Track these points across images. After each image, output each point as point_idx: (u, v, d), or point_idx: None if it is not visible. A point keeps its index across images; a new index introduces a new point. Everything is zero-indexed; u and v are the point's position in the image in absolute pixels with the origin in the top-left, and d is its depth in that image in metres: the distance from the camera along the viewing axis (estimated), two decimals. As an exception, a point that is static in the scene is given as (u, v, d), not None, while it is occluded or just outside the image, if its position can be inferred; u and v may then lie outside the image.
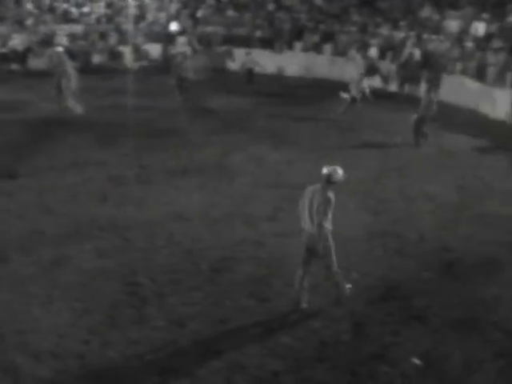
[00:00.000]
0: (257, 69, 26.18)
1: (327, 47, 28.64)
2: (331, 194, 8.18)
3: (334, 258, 8.42)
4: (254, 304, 8.59)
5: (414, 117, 16.79)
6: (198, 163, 14.69)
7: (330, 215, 8.22)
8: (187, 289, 8.95)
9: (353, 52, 25.79)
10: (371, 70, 24.42)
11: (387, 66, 25.61)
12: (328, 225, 8.28)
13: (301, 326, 8.12)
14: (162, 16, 32.32)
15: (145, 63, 28.35)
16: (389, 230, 11.08)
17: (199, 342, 7.74)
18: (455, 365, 7.42)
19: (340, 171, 8.36)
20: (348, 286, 8.73)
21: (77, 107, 19.03)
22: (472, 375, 7.26)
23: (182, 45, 24.35)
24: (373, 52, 25.60)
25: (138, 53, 28.44)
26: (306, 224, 8.44)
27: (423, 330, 8.12)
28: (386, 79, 24.65)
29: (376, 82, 24.77)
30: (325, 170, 8.32)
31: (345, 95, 19.45)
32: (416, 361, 7.42)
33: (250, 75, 26.41)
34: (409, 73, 23.94)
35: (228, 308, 8.48)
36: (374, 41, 26.28)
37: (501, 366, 7.44)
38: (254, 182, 13.57)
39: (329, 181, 8.25)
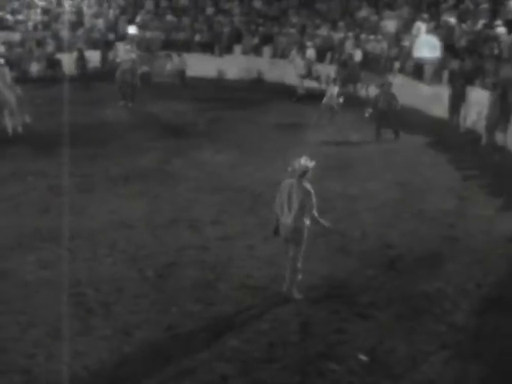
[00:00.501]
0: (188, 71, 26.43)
1: (267, 49, 28.81)
2: (308, 186, 8.51)
3: (301, 254, 8.59)
4: (200, 309, 8.54)
5: (370, 112, 17.23)
6: (139, 170, 14.58)
7: (312, 210, 8.51)
8: (133, 296, 8.85)
9: (293, 53, 25.90)
10: (309, 71, 24.54)
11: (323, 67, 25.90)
12: (307, 220, 8.50)
13: (248, 328, 8.10)
14: (100, 22, 32.01)
15: (87, 70, 27.95)
16: (332, 229, 11.14)
17: (147, 349, 7.66)
18: (401, 358, 7.52)
19: (308, 161, 8.64)
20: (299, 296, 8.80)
21: (19, 120, 18.39)
22: (418, 368, 7.36)
23: (126, 51, 23.88)
24: (310, 53, 25.63)
25: (82, 59, 27.95)
26: (285, 217, 8.55)
27: (368, 326, 8.19)
28: (319, 80, 24.67)
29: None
30: (296, 164, 8.53)
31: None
32: (362, 357, 7.49)
33: (181, 77, 26.75)
34: (349, 73, 24.12)
35: (175, 314, 8.42)
36: (310, 42, 26.37)
37: (445, 357, 7.56)
38: (196, 186, 13.52)
39: (302, 174, 8.50)
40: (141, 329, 8.06)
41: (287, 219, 8.55)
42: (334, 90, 19.90)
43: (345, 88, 23.38)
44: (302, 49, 26.02)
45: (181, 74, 27.02)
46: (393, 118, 17.67)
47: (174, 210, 12.12)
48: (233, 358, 7.47)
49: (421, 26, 24.09)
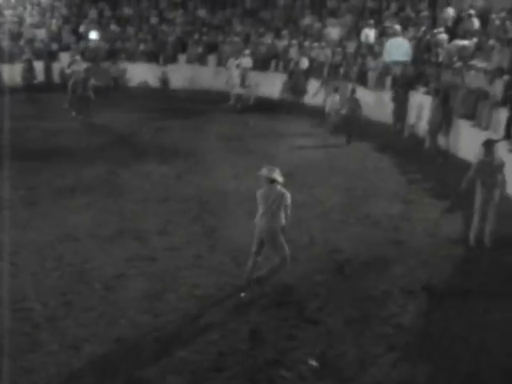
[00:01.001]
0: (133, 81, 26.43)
1: (211, 58, 28.87)
2: (282, 189, 9.09)
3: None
4: (149, 320, 8.47)
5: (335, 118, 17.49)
6: (85, 181, 14.39)
7: (288, 210, 9.12)
8: (81, 310, 8.72)
9: (231, 61, 25.87)
10: (243, 79, 24.50)
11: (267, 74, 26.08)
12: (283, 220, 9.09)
13: (197, 338, 8.06)
14: (43, 32, 31.56)
15: (32, 81, 27.42)
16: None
17: (96, 363, 7.55)
18: (350, 362, 7.58)
19: (269, 171, 9.14)
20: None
21: None
22: (367, 370, 7.42)
23: (77, 62, 23.30)
24: (246, 62, 25.51)
25: (31, 71, 27.37)
26: (259, 219, 9.13)
27: (318, 332, 8.24)
28: (249, 88, 24.52)
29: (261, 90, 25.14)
30: (264, 173, 9.13)
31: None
32: (313, 362, 7.53)
33: (116, 84, 27.19)
34: (295, 82, 24.19)
35: (123, 326, 8.32)
36: (247, 50, 26.30)
37: (394, 359, 7.65)
38: (142, 197, 13.42)
39: (271, 181, 9.04)
40: (89, 342, 7.94)
41: (262, 221, 9.05)
42: (335, 98, 20.13)
43: (293, 96, 23.55)
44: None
45: (115, 80, 27.33)
46: (355, 124, 17.85)
47: (120, 221, 12.00)
48: (182, 369, 7.41)
49: (368, 33, 24.45)
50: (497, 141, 11.36)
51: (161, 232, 11.47)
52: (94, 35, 30.61)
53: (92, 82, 21.51)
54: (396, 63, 21.48)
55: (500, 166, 10.74)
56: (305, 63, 24.82)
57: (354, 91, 19.12)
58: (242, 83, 24.24)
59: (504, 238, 11.10)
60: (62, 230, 11.55)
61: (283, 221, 9.08)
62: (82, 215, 12.32)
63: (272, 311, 8.73)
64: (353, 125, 18.19)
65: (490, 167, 10.69)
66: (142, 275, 9.74)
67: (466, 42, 19.54)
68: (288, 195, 9.06)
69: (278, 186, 9.07)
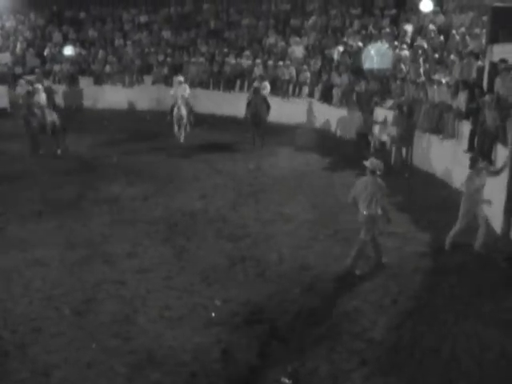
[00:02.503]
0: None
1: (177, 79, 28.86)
2: (380, 181, 10.39)
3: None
4: (120, 343, 8.42)
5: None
6: (52, 205, 14.27)
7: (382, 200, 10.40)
8: (50, 336, 8.65)
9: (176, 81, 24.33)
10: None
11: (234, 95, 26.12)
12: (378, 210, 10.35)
13: (169, 360, 8.03)
14: (7, 56, 31.34)
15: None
16: (249, 255, 11.22)
17: (67, 389, 7.51)
18: (323, 378, 7.62)
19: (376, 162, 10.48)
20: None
21: None
22: (339, 386, 7.46)
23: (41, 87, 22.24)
24: (182, 90, 22.51)
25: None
26: (362, 207, 10.37)
27: (290, 349, 8.26)
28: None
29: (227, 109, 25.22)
30: (368, 164, 10.45)
31: None
32: (285, 380, 7.54)
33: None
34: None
35: (94, 351, 8.26)
36: (180, 77, 23.89)
37: (366, 373, 7.71)
38: (110, 220, 13.35)
39: (373, 172, 10.33)
40: (60, 368, 7.88)
41: (362, 208, 10.35)
42: None
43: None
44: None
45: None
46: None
47: (88, 245, 11.91)
48: (155, 391, 7.40)
49: (335, 51, 24.71)
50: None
51: (130, 255, 11.42)
52: (69, 51, 30.47)
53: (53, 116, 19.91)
54: (379, 71, 21.52)
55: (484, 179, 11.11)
56: (266, 88, 22.87)
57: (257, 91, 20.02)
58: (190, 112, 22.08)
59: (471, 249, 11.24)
60: (30, 255, 11.44)
61: (379, 210, 10.32)
62: (49, 240, 12.21)
63: (243, 330, 8.73)
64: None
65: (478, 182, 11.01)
66: (112, 299, 9.70)
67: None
68: (384, 188, 10.39)
69: (378, 178, 10.32)
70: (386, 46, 22.38)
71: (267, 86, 22.96)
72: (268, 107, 20.71)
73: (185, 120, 21.46)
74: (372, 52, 22.30)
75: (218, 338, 8.50)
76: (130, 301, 9.60)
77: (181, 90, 22.12)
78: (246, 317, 9.09)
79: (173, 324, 8.87)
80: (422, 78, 19.00)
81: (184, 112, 21.35)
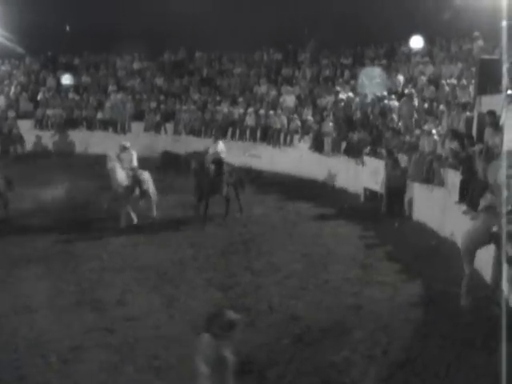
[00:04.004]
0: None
1: (169, 126, 29.07)
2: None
3: None
4: (106, 393, 8.31)
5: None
6: (41, 251, 14.19)
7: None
8: (36, 385, 8.53)
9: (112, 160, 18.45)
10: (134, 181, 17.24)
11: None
12: None
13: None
14: (1, 99, 31.57)
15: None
16: (238, 304, 11.12)
17: None
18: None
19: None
20: None
21: None
22: None
23: None
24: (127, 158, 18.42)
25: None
26: None
27: (279, 400, 8.18)
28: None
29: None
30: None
31: None
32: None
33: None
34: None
35: (80, 400, 8.16)
36: (126, 143, 21.54)
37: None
38: (100, 266, 13.26)
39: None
40: (45, 418, 7.75)
41: None
42: None
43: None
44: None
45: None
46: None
47: (77, 291, 11.82)
48: None
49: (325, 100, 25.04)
50: None
51: (119, 302, 11.31)
52: (67, 80, 30.64)
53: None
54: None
55: None
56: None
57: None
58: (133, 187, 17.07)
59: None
60: (18, 301, 11.32)
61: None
62: (38, 285, 12.12)
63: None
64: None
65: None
66: (100, 347, 9.57)
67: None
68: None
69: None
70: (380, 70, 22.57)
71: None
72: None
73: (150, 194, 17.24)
74: (369, 77, 22.47)
75: (206, 389, 8.38)
76: (118, 349, 9.47)
77: (126, 158, 17.49)
78: (236, 367, 8.97)
79: (161, 374, 8.74)
80: (413, 128, 19.23)
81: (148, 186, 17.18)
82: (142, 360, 9.10)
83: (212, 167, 17.22)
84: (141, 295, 11.65)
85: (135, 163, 17.44)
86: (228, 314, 6.17)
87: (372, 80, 23.20)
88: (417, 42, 21.79)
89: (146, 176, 17.27)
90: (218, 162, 17.45)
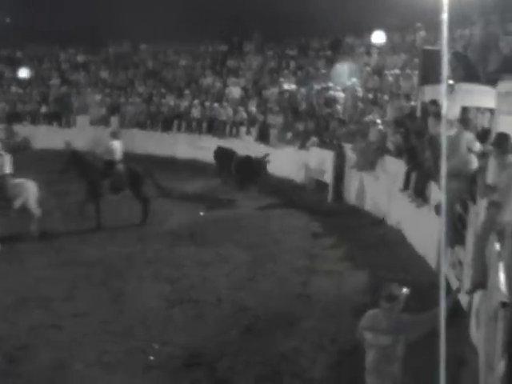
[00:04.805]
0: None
1: (114, 119, 28.79)
2: None
3: None
4: (56, 391, 8.22)
5: None
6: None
7: None
8: (-19, 385, 8.40)
9: None
10: None
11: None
12: None
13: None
14: None
15: None
16: (187, 297, 11.14)
17: None
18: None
19: None
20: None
21: None
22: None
23: None
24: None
25: None
26: None
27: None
28: None
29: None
30: None
31: None
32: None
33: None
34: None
35: (29, 399, 8.05)
36: None
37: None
38: (46, 263, 13.02)
39: None
40: (-9, 420, 7.64)
41: None
42: None
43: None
44: None
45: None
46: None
47: (23, 289, 11.56)
48: None
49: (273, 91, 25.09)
50: None
51: (66, 298, 11.15)
52: (24, 73, 30.07)
53: None
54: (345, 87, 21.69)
55: None
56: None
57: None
58: None
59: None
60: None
61: None
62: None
63: (182, 373, 8.61)
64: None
65: None
66: (48, 344, 9.41)
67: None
68: None
69: None
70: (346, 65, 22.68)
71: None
72: None
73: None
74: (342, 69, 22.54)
75: (156, 383, 8.37)
76: (67, 346, 9.35)
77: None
78: (185, 359, 8.98)
79: (110, 369, 8.68)
80: (358, 118, 19.45)
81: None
82: (91, 356, 9.01)
83: (99, 168, 16.25)
84: (88, 290, 11.52)
85: (7, 170, 14.48)
86: (393, 286, 6.60)
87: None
88: (378, 37, 21.93)
89: (25, 186, 14.76)
90: (109, 162, 16.33)
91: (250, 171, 19.18)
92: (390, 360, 6.44)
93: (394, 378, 6.45)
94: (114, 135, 17.35)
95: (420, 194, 13.67)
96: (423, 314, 6.46)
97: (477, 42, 14.75)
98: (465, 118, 12.44)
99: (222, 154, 20.66)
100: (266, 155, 19.27)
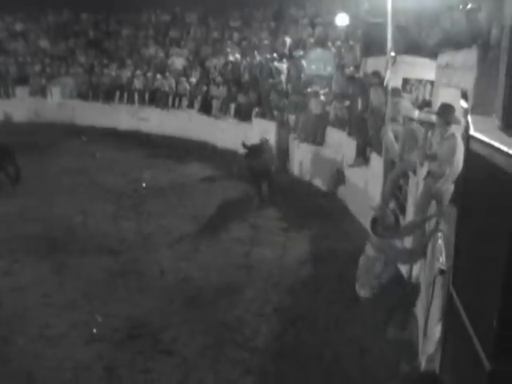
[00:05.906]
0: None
1: (56, 90, 28.16)
2: None
3: None
4: (-2, 367, 8.11)
5: None
6: None
7: None
8: None
9: None
10: None
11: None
12: None
13: (50, 380, 7.79)
14: None
15: None
16: (129, 269, 11.09)
17: None
18: (208, 389, 7.62)
19: None
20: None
21: None
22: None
23: None
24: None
25: None
26: None
27: (174, 362, 8.22)
28: None
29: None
30: None
31: None
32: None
33: None
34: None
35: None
36: None
37: (251, 382, 7.81)
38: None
39: None
40: None
41: None
42: None
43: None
44: None
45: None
46: None
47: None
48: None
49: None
50: None
51: (6, 273, 10.96)
52: None
53: None
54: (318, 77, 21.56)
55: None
56: None
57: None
58: None
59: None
60: None
61: None
62: None
63: (126, 345, 8.61)
64: None
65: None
66: (-13, 320, 9.30)
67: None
68: None
69: None
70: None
71: None
72: None
73: None
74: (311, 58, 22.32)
75: (100, 355, 8.33)
76: (7, 321, 9.21)
77: None
78: (129, 331, 8.96)
79: (53, 342, 8.61)
80: (301, 90, 19.49)
81: None
82: (33, 330, 8.92)
83: None
84: (29, 264, 11.34)
85: None
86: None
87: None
88: (342, 20, 21.78)
89: None
90: None
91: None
92: (369, 272, 7.67)
93: (371, 289, 7.72)
94: None
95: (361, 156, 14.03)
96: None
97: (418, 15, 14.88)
98: (394, 89, 12.65)
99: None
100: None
